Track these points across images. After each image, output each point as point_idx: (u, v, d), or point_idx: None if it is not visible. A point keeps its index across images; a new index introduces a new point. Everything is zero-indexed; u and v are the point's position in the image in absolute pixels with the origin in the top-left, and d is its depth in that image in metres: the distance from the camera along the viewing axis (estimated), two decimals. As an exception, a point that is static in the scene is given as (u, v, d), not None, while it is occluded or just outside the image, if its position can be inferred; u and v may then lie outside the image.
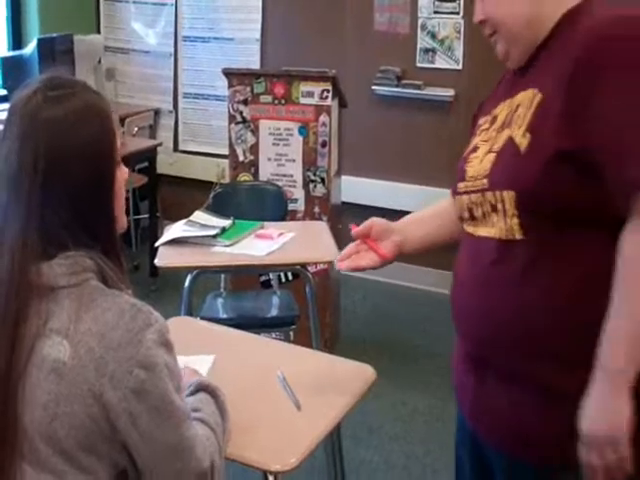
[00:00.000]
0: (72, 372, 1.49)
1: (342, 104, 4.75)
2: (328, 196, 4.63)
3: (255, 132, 4.67)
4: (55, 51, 5.51)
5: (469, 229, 1.82)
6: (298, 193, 4.65)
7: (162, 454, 1.56)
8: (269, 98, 4.62)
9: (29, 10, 6.05)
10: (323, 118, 4.55)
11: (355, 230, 2.02)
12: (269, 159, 4.67)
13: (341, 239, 3.81)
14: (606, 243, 1.60)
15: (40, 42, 5.45)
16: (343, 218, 4.95)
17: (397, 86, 5.51)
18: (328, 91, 4.53)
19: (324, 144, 4.56)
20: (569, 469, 1.64)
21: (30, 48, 5.54)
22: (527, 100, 1.72)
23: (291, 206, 4.53)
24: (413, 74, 5.46)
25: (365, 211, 4.47)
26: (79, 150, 1.55)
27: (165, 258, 3.41)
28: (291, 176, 4.65)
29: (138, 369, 1.49)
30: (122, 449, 1.55)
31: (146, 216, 5.96)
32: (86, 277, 1.55)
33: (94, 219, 1.59)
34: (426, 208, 2.16)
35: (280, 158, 4.65)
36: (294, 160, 4.62)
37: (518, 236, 1.67)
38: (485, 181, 1.74)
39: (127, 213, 1.73)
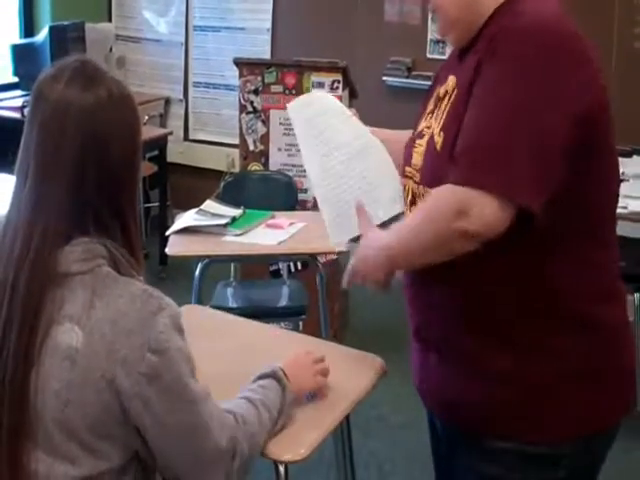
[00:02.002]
0: (85, 359, 1.49)
1: (353, 95, 4.74)
2: (338, 186, 4.62)
3: (266, 122, 4.67)
4: (67, 39, 5.53)
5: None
6: (308, 183, 4.65)
7: (175, 438, 1.57)
8: (280, 88, 4.63)
9: (41, -3, 6.06)
10: (334, 108, 4.54)
11: None
12: (279, 149, 4.68)
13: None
14: (524, 236, 1.66)
15: (52, 30, 5.47)
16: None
17: (407, 77, 5.51)
18: (339, 82, 4.53)
19: (334, 134, 4.55)
20: (494, 437, 1.77)
21: (42, 36, 5.56)
22: (449, 91, 1.80)
23: (301, 196, 4.53)
24: (424, 65, 5.45)
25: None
26: (117, 135, 1.57)
27: (176, 247, 3.42)
28: (301, 166, 4.61)
29: (150, 354, 1.50)
30: (136, 433, 1.56)
31: (156, 204, 5.97)
32: (98, 263, 1.55)
33: (123, 203, 1.61)
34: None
35: (290, 148, 4.65)
36: (304, 150, 4.62)
37: None
38: (419, 175, 1.85)
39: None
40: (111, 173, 1.57)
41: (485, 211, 1.59)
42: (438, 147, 1.75)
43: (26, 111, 1.56)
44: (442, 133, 1.74)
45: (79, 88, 1.55)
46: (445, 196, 1.65)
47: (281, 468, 1.91)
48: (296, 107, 2.24)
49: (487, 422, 1.78)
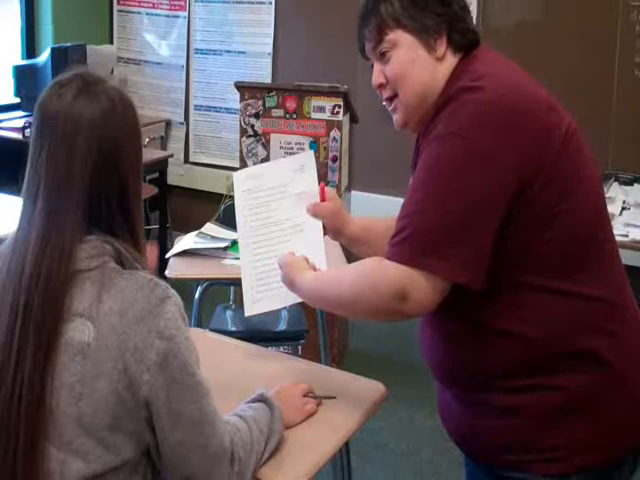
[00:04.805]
0: (97, 352, 1.53)
1: (353, 120, 4.75)
2: (338, 211, 4.62)
3: (266, 146, 4.68)
4: (68, 61, 5.54)
5: None
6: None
7: (184, 427, 1.59)
8: (281, 112, 4.63)
9: (43, 20, 6.08)
10: (334, 133, 4.55)
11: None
12: (280, 173, 4.67)
13: (351, 254, 3.80)
14: (512, 293, 1.72)
15: (53, 51, 5.49)
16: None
17: (408, 102, 5.50)
18: (339, 106, 4.54)
19: (335, 159, 4.57)
20: (508, 468, 1.79)
21: (44, 57, 5.58)
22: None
23: (301, 220, 4.52)
24: (425, 90, 5.45)
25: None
26: (126, 140, 1.64)
27: (175, 269, 3.42)
28: (302, 189, 4.64)
29: (159, 340, 1.55)
30: (148, 426, 1.59)
31: (156, 227, 5.97)
32: (104, 260, 1.60)
33: (131, 202, 1.66)
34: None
35: (291, 172, 4.64)
36: (305, 174, 4.62)
37: None
38: None
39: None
40: (123, 177, 1.63)
41: (424, 295, 1.66)
42: None
43: (28, 131, 1.57)
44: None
45: (86, 100, 1.60)
46: (385, 274, 1.69)
47: (279, 494, 1.89)
48: (241, 177, 2.30)
49: (500, 453, 1.80)
